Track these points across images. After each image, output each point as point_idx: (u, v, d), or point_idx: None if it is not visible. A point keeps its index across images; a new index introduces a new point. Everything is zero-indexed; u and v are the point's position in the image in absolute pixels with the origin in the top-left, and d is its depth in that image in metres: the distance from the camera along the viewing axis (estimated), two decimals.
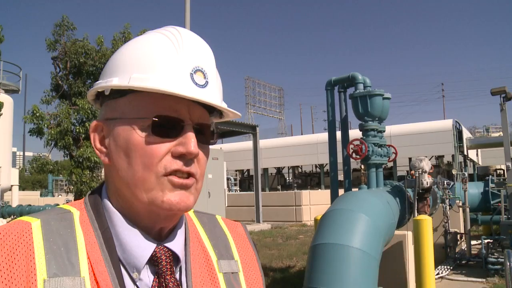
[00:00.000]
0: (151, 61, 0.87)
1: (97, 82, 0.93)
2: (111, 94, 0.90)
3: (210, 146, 0.97)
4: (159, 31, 0.93)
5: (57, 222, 0.88)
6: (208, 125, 0.93)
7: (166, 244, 0.92)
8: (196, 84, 0.87)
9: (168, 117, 0.86)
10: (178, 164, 0.86)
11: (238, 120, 19.59)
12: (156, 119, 0.85)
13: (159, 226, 0.91)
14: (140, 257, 0.88)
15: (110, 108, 0.92)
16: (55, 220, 0.88)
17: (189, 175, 0.88)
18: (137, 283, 0.88)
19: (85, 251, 0.84)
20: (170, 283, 0.89)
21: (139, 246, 0.88)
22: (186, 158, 0.87)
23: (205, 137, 0.92)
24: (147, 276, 0.89)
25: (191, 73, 0.87)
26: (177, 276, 0.93)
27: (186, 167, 0.87)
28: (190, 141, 0.86)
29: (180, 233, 0.97)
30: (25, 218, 0.88)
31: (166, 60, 0.87)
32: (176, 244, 0.94)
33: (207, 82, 0.89)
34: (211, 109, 0.95)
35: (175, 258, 0.93)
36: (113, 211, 0.91)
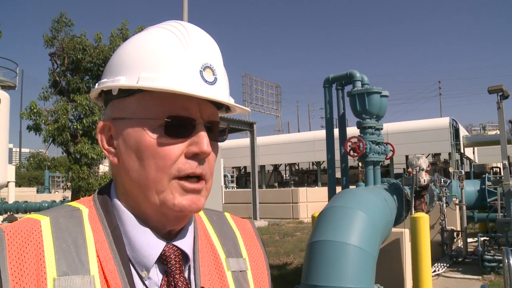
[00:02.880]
0: (160, 59, 0.85)
1: (102, 80, 0.91)
2: (117, 93, 0.88)
3: None
4: (163, 27, 0.90)
5: (66, 220, 0.87)
6: (218, 122, 0.92)
7: (176, 243, 0.91)
8: (206, 81, 0.86)
9: (180, 116, 0.85)
10: (192, 167, 0.85)
11: (235, 117, 19.54)
12: (169, 120, 0.84)
13: (168, 228, 0.91)
14: (149, 256, 0.87)
15: (117, 107, 0.90)
16: (64, 217, 0.87)
17: (200, 177, 0.87)
18: (146, 282, 0.87)
19: (94, 249, 0.84)
20: (179, 282, 0.89)
21: (148, 245, 0.87)
22: (199, 157, 0.86)
23: (215, 134, 0.91)
24: (156, 275, 0.88)
25: (200, 71, 0.86)
26: (186, 274, 0.92)
27: (199, 168, 0.86)
28: (203, 140, 0.85)
29: (190, 232, 0.96)
30: (34, 215, 0.87)
31: (175, 58, 0.85)
32: (186, 243, 0.93)
33: (216, 78, 0.88)
34: (219, 105, 0.94)
35: (184, 256, 0.92)
36: (122, 210, 0.90)
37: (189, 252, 0.93)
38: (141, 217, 0.89)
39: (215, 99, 0.85)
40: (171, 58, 0.85)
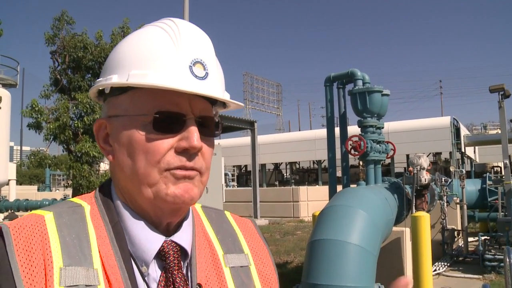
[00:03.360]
0: (149, 56, 0.86)
1: (98, 80, 0.94)
2: (112, 92, 0.90)
3: None
4: (156, 24, 0.92)
5: (69, 215, 0.88)
6: (211, 117, 0.92)
7: (174, 239, 0.92)
8: (196, 76, 0.86)
9: (169, 112, 0.86)
10: (181, 160, 0.86)
11: (236, 115, 19.57)
12: (157, 115, 0.85)
13: (165, 221, 0.91)
14: (148, 251, 0.88)
15: (112, 105, 0.92)
16: (67, 213, 0.89)
17: (192, 169, 0.88)
18: (145, 278, 0.87)
19: (96, 244, 0.85)
20: (177, 279, 0.89)
21: (147, 240, 0.88)
22: (190, 152, 0.86)
23: (209, 129, 0.92)
24: (154, 271, 0.89)
25: (190, 66, 0.86)
26: (185, 271, 0.93)
27: (189, 162, 0.86)
28: (192, 135, 0.85)
29: (188, 228, 0.97)
30: (37, 211, 0.88)
31: (164, 54, 0.86)
32: (184, 239, 0.94)
33: (207, 73, 0.88)
34: (213, 100, 0.94)
35: (183, 252, 0.93)
36: (122, 206, 0.91)
37: (188, 248, 0.93)
38: (139, 212, 0.90)
39: (203, 93, 0.85)
40: (161, 54, 0.86)
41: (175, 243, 0.91)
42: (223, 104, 0.98)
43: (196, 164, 0.88)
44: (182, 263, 0.92)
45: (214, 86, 0.89)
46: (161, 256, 0.89)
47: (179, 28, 0.89)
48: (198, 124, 0.88)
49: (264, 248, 1.11)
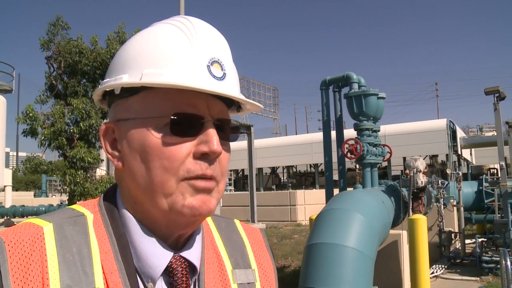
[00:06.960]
0: (164, 54, 0.80)
1: (105, 80, 0.87)
2: (121, 93, 0.83)
3: None
4: (168, 22, 0.86)
5: (70, 227, 0.81)
6: (228, 120, 0.87)
7: (183, 254, 0.86)
8: (214, 76, 0.80)
9: (187, 114, 0.80)
10: (202, 168, 0.80)
11: (232, 118, 19.50)
12: (175, 117, 0.79)
13: (177, 233, 0.85)
14: (155, 267, 0.82)
15: (121, 108, 0.85)
16: (68, 224, 0.82)
17: (211, 178, 0.82)
18: None
19: (99, 259, 0.79)
20: None
21: (155, 255, 0.82)
22: (209, 157, 0.80)
23: (226, 133, 0.85)
24: (161, 287, 0.84)
25: (208, 65, 0.81)
26: (192, 287, 0.88)
27: (209, 170, 0.80)
28: (212, 139, 0.79)
29: (198, 242, 0.91)
30: (36, 221, 0.82)
31: (180, 53, 0.80)
32: (193, 254, 0.88)
33: (224, 74, 0.83)
34: (229, 103, 0.88)
35: (191, 268, 0.87)
36: (128, 217, 0.84)
37: (197, 264, 0.88)
38: (148, 224, 0.84)
39: (226, 94, 0.80)
40: (177, 52, 0.80)
41: (184, 258, 0.85)
42: (237, 108, 0.93)
43: (215, 172, 0.82)
44: (190, 280, 0.87)
45: (232, 87, 0.84)
46: (168, 272, 0.84)
47: (195, 26, 0.83)
48: (216, 127, 0.82)
49: (270, 263, 1.06)
